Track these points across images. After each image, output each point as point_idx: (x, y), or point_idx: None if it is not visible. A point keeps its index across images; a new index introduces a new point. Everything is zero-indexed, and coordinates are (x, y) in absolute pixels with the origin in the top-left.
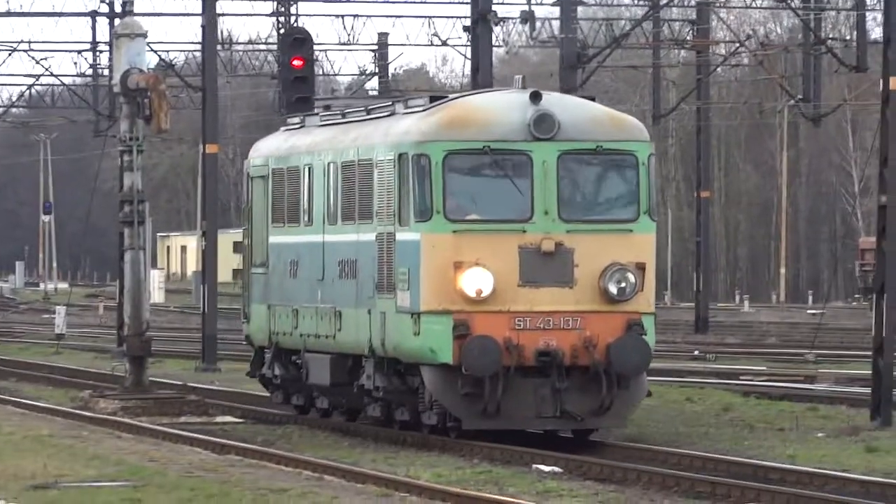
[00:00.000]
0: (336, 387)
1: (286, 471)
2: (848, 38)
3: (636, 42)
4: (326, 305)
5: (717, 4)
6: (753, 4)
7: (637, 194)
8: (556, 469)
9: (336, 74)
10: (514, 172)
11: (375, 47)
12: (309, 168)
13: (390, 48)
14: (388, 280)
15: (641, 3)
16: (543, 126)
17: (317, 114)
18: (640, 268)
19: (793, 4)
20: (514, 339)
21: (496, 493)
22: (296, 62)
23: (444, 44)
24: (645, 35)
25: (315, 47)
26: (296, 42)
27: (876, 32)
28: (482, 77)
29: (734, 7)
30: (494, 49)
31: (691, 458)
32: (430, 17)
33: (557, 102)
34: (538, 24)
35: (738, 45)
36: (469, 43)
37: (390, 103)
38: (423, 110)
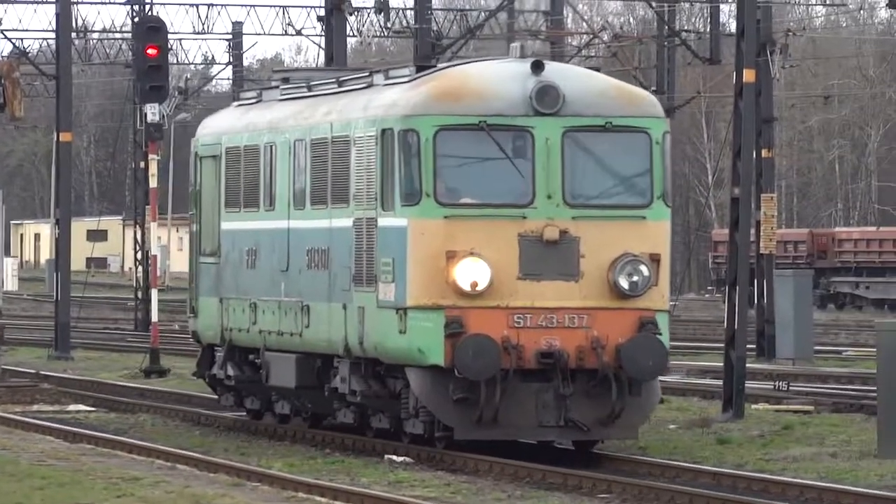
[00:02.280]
0: (302, 390)
1: (138, 460)
2: (702, 30)
3: (490, 33)
4: (292, 299)
5: None
6: None
7: (650, 177)
8: (408, 459)
9: (190, 63)
10: (513, 151)
11: (230, 37)
12: (270, 147)
13: (245, 38)
14: (367, 271)
15: None
16: (546, 99)
17: (276, 87)
18: (654, 259)
19: None
20: (513, 338)
21: (348, 483)
22: (150, 51)
23: (299, 33)
24: (499, 26)
25: (169, 36)
26: (150, 31)
27: (730, 25)
28: (336, 66)
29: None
30: (349, 39)
31: (542, 447)
32: (284, 7)
33: (561, 73)
34: (392, 14)
35: (592, 36)
36: (323, 33)
37: (367, 74)
38: (409, 80)
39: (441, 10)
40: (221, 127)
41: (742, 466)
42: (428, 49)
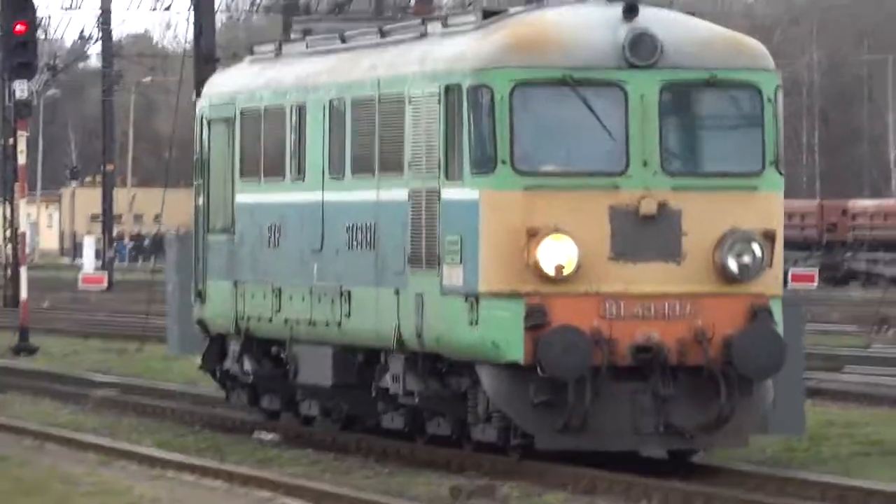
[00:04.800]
0: (340, 388)
1: (6, 439)
2: None
3: (358, 9)
4: (328, 283)
5: None
6: None
7: (762, 140)
8: (277, 437)
9: (59, 39)
10: (603, 110)
11: (99, 12)
12: (299, 108)
13: (114, 13)
14: (427, 251)
15: None
16: (641, 49)
17: (299, 39)
18: (769, 237)
19: None
20: (605, 330)
21: (217, 462)
22: (18, 27)
23: (167, 9)
24: (368, 2)
25: (38, 12)
26: (18, 6)
27: None
28: (206, 43)
29: None
30: (218, 15)
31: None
32: None
33: (658, 19)
34: None
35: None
36: (192, 9)
37: (420, 22)
38: (477, 28)
39: None
40: (235, 85)
41: None
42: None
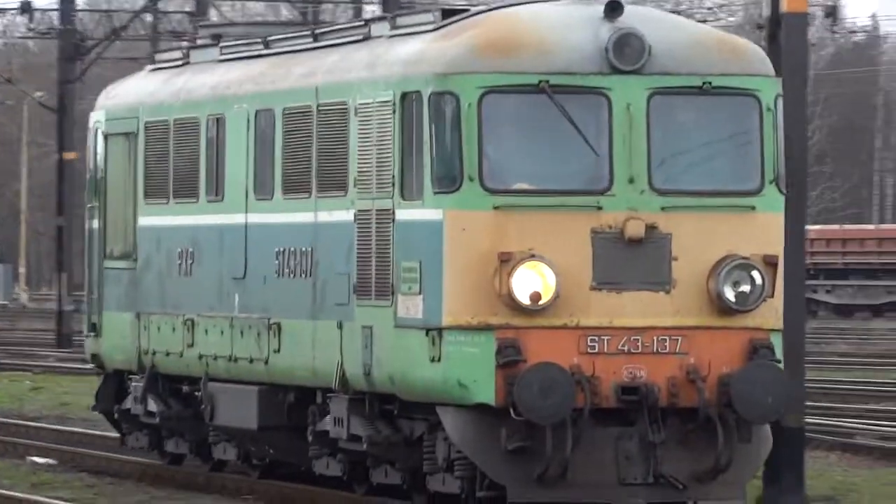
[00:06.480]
0: (268, 431)
1: None
2: None
3: (136, 34)
4: (252, 315)
5: None
6: None
7: (761, 154)
8: (52, 461)
9: None
10: (584, 120)
11: None
12: (217, 120)
13: None
14: (378, 279)
15: None
16: (627, 52)
17: (211, 45)
18: (769, 263)
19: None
20: (587, 368)
21: None
22: None
23: None
24: (145, 27)
25: None
26: None
27: None
28: None
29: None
30: None
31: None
32: None
33: (644, 18)
34: (37, 14)
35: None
36: None
37: (361, 23)
38: (436, 29)
39: (86, 10)
40: (137, 96)
41: None
42: (72, 50)
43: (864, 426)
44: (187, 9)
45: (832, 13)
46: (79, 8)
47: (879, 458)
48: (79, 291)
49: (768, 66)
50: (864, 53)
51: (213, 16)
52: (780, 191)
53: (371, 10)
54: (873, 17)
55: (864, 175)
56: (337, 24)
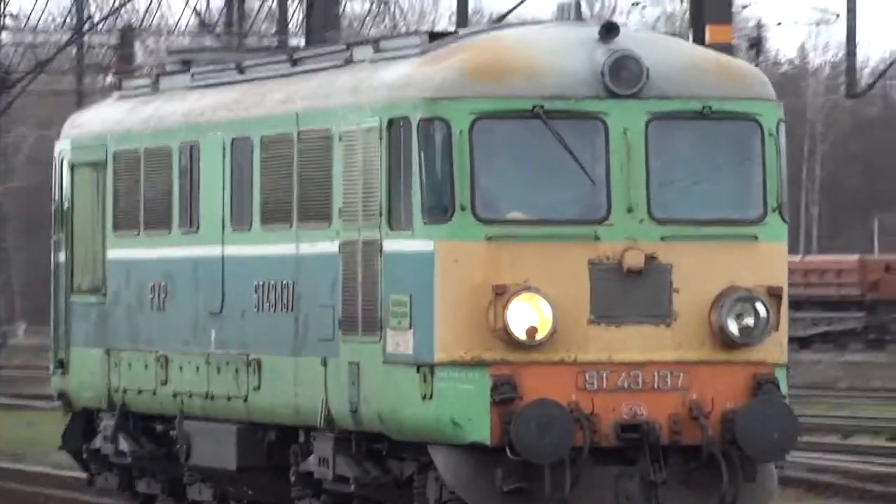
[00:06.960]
0: (247, 472)
1: None
2: None
3: (60, 67)
4: (230, 351)
5: (140, 30)
6: (175, 32)
7: (763, 181)
8: None
9: None
10: (580, 147)
11: None
12: (190, 148)
13: None
14: (365, 314)
15: (66, 28)
16: (624, 75)
17: (182, 71)
18: (774, 295)
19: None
20: (585, 405)
21: None
22: None
23: None
24: (69, 60)
25: None
26: None
27: None
28: None
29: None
30: None
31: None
32: None
33: (640, 41)
34: None
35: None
36: None
37: (343, 47)
38: (423, 53)
39: (10, 45)
40: (105, 124)
41: None
42: None
43: (792, 458)
44: (112, 42)
45: (756, 44)
46: (4, 42)
47: (809, 490)
48: None
49: (769, 90)
50: (791, 85)
51: (138, 49)
52: (783, 219)
53: (295, 42)
54: (802, 48)
55: (791, 206)
56: (316, 49)
